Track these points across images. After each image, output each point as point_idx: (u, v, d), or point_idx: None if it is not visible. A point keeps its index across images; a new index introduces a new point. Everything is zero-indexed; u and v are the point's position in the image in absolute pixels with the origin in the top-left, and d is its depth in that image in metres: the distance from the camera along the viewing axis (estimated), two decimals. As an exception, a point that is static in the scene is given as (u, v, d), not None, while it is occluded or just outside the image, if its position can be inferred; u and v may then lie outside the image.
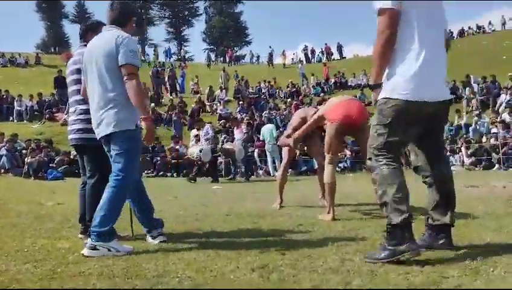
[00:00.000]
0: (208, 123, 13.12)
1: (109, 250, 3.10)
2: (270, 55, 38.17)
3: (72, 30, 61.71)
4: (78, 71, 3.75)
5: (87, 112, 3.64)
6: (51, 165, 13.45)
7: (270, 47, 41.08)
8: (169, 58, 41.15)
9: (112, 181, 3.25)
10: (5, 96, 20.48)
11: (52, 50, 52.81)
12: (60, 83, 19.36)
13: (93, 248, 3.10)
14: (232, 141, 13.21)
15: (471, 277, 2.21)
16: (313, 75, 27.56)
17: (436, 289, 2.08)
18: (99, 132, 3.35)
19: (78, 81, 3.78)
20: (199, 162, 11.77)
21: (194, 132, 13.12)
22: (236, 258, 2.80)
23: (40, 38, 60.03)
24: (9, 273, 2.64)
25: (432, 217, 2.94)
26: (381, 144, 2.73)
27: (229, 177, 12.73)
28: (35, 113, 19.83)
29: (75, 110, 3.84)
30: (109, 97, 3.27)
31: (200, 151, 11.46)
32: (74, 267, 2.74)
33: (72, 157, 12.93)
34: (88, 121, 3.62)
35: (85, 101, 3.66)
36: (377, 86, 2.76)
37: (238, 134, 13.35)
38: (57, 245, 3.46)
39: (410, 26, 2.66)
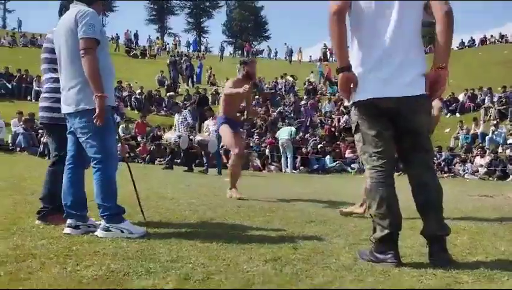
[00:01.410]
0: (185, 109, 12.65)
1: (122, 231, 3.13)
2: (290, 52, 38.13)
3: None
4: (49, 50, 3.65)
5: (53, 90, 3.59)
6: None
7: (285, 44, 41.02)
8: (194, 49, 41.27)
9: (92, 167, 3.21)
10: (24, 76, 20.71)
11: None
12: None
13: (106, 229, 3.14)
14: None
15: (485, 283, 2.20)
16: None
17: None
18: (65, 110, 3.29)
19: (46, 60, 3.69)
20: (175, 149, 11.38)
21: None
22: (249, 249, 2.82)
23: (62, 20, 60.43)
24: (25, 248, 2.69)
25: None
26: (362, 152, 2.71)
27: (202, 169, 11.66)
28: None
29: (44, 89, 3.76)
30: (72, 76, 3.21)
31: (179, 138, 11.04)
32: (89, 247, 2.78)
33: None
34: (53, 99, 3.57)
35: (53, 79, 3.61)
36: (344, 69, 2.65)
37: (213, 125, 11.69)
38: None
39: (360, 24, 2.62)
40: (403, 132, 2.66)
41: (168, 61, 25.71)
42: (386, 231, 2.57)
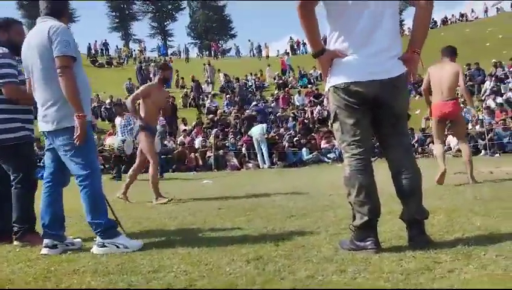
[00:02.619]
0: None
1: (117, 247, 3.07)
2: (259, 48, 38.20)
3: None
4: None
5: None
6: (39, 164, 13.28)
7: (249, 40, 41.17)
8: (162, 53, 40.96)
9: (78, 185, 3.15)
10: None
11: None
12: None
13: (102, 246, 3.08)
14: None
15: (464, 261, 2.25)
16: (298, 67, 27.65)
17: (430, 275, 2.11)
18: (42, 128, 3.23)
19: None
20: (119, 155, 10.63)
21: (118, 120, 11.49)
22: (230, 251, 2.81)
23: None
24: (2, 274, 2.62)
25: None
26: (341, 141, 2.74)
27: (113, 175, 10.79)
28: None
29: None
30: (49, 93, 3.13)
31: (123, 142, 10.25)
32: (68, 266, 2.72)
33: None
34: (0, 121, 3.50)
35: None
36: (318, 54, 2.71)
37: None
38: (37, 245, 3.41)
39: (337, 12, 2.65)
40: (383, 117, 2.70)
41: (135, 68, 25.43)
42: (366, 218, 2.60)
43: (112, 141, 10.76)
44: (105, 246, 3.07)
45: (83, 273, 2.53)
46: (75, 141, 3.07)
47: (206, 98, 22.51)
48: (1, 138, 3.50)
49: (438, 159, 6.37)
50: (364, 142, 2.67)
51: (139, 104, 6.07)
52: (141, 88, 6.29)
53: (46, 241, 3.18)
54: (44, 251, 3.14)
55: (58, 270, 2.64)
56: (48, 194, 3.26)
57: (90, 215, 3.13)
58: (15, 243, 3.46)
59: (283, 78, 26.63)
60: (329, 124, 2.84)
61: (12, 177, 3.56)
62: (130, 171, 6.33)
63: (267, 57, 36.85)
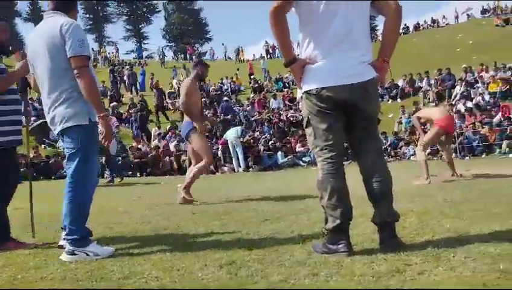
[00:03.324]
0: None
1: (87, 254, 2.97)
2: (238, 51, 38.25)
3: (25, 29, 59.84)
4: None
5: None
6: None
7: (223, 44, 41.43)
8: (139, 56, 40.61)
9: (67, 185, 3.06)
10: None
11: (5, 49, 50.82)
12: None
13: (71, 253, 2.98)
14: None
15: (433, 263, 2.28)
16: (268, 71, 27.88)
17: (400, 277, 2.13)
18: (54, 130, 3.16)
19: None
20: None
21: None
22: (203, 256, 2.78)
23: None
24: (-34, 283, 2.53)
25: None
26: (313, 146, 2.76)
27: (107, 180, 10.59)
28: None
29: None
30: (58, 91, 3.03)
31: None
32: (36, 273, 2.65)
33: (29, 160, 12.44)
34: None
35: None
36: (289, 63, 2.73)
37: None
38: (16, 251, 3.33)
39: (309, 19, 2.67)
40: (355, 121, 2.72)
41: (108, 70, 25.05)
42: (338, 222, 2.61)
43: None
44: (74, 254, 2.98)
45: (51, 280, 2.47)
46: (103, 142, 3.04)
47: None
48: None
49: (424, 167, 6.82)
50: (336, 147, 2.69)
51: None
52: (186, 87, 5.98)
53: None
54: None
55: (26, 277, 2.57)
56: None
57: (68, 220, 3.02)
58: None
59: (259, 81, 26.67)
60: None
61: None
62: (190, 173, 6.16)
63: (241, 61, 36.92)
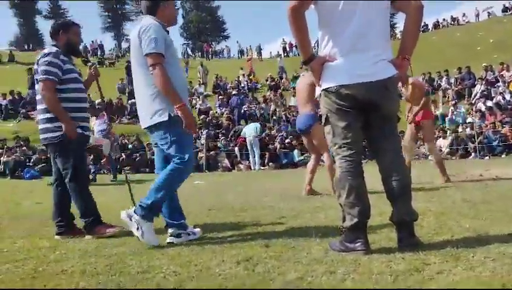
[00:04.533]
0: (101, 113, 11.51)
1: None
2: (259, 49, 38.19)
3: (45, 26, 60.85)
4: (35, 72, 3.83)
5: (44, 111, 3.78)
6: (27, 164, 13.21)
7: (237, 42, 41.38)
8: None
9: (170, 165, 3.23)
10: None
11: (26, 47, 51.71)
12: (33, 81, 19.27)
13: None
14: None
15: (452, 262, 2.25)
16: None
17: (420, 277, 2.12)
18: (143, 124, 3.34)
19: (37, 82, 3.83)
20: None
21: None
22: (220, 252, 2.80)
23: (14, 35, 59.01)
24: (-11, 275, 2.59)
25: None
26: (332, 144, 2.75)
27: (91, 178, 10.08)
28: (10, 111, 19.40)
29: (40, 109, 3.88)
30: (145, 89, 3.24)
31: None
32: (56, 266, 2.70)
33: (48, 155, 12.56)
34: (46, 120, 3.76)
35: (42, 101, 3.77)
36: (308, 61, 2.74)
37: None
38: (37, 244, 3.40)
39: (329, 18, 2.67)
40: (374, 119, 2.71)
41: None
42: (356, 220, 2.60)
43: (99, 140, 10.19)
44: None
45: (72, 273, 2.51)
46: (187, 131, 3.16)
47: (198, 99, 22.43)
48: (48, 137, 3.77)
49: (440, 167, 6.83)
50: (355, 145, 2.68)
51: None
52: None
53: (170, 230, 3.33)
54: (169, 239, 3.28)
55: (47, 270, 2.62)
56: None
57: (156, 194, 3.21)
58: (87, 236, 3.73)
59: (275, 79, 26.63)
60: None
61: (64, 174, 3.79)
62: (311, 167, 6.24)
63: (260, 59, 36.84)
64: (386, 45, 2.72)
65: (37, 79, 3.79)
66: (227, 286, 2.13)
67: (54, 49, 3.83)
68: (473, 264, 2.21)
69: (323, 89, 2.72)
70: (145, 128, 3.34)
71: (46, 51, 3.83)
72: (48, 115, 3.75)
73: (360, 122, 2.70)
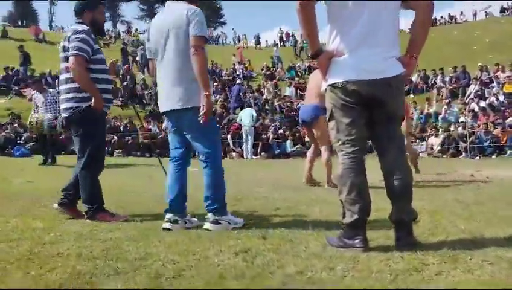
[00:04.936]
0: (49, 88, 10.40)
1: (229, 223, 3.29)
2: (258, 38, 37.93)
3: (39, 6, 59.63)
4: (66, 49, 3.73)
5: (70, 90, 3.72)
6: (18, 141, 13.10)
7: (233, 29, 40.97)
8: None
9: (201, 162, 3.34)
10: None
11: (19, 23, 50.88)
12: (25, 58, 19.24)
13: (216, 222, 3.26)
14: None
15: (451, 264, 2.26)
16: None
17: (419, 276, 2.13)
18: (165, 107, 3.38)
19: (65, 59, 3.75)
20: (44, 134, 9.41)
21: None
22: (218, 242, 2.79)
23: (7, 11, 58.07)
24: (-17, 255, 2.56)
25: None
26: (336, 140, 2.74)
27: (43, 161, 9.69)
28: (2, 88, 19.15)
29: (63, 89, 3.82)
30: (179, 74, 3.26)
31: (55, 119, 9.02)
32: (51, 248, 2.68)
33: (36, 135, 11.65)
34: (76, 99, 3.71)
35: (71, 80, 3.70)
36: (316, 55, 2.72)
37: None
38: (30, 225, 3.37)
39: (338, 13, 2.65)
40: (378, 116, 2.70)
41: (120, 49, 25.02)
42: (356, 217, 2.60)
43: (39, 117, 9.04)
44: (219, 223, 3.26)
45: (67, 256, 2.50)
46: (200, 119, 3.18)
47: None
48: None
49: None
50: (358, 142, 2.67)
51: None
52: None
53: (168, 215, 3.32)
54: (166, 225, 3.27)
55: (42, 252, 2.60)
56: (177, 171, 3.45)
57: (210, 191, 3.31)
58: (55, 206, 3.80)
59: (271, 69, 26.54)
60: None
61: (78, 157, 3.79)
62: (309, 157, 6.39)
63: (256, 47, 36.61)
64: (394, 43, 2.70)
65: (66, 56, 3.72)
66: (226, 276, 2.13)
67: (86, 27, 3.76)
68: (471, 267, 2.22)
69: (329, 84, 2.70)
70: (173, 110, 3.33)
71: (78, 28, 3.74)
72: (71, 95, 3.71)
73: (364, 118, 2.69)
